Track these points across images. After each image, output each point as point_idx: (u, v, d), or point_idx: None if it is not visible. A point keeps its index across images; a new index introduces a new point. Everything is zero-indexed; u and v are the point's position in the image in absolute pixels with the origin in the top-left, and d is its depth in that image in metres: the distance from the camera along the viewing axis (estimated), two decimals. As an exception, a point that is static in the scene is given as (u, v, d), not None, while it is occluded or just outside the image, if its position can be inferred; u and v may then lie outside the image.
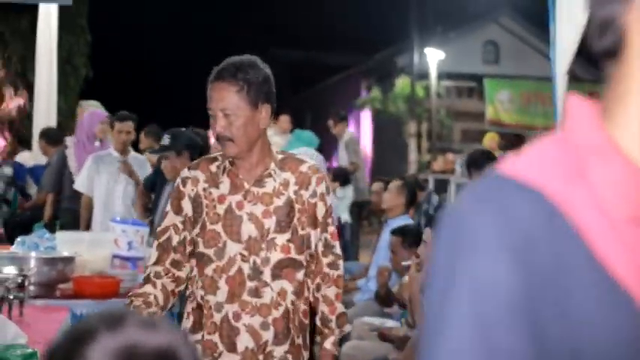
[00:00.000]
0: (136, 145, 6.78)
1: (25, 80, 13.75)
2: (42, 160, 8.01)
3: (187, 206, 2.70)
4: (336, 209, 7.07)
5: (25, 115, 13.22)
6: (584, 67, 0.87)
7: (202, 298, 2.66)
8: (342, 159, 10.06)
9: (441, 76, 22.51)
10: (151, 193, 5.79)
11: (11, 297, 3.08)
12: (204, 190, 2.68)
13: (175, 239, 2.71)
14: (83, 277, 4.11)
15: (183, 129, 5.16)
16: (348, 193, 9.48)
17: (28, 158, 8.92)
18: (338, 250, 2.79)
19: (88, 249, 4.47)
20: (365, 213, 10.82)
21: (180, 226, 2.71)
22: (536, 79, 20.55)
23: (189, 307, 2.72)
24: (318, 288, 2.75)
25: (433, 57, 21.97)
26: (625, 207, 0.78)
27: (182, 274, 2.73)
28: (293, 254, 2.66)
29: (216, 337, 2.62)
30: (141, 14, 27.82)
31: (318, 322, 2.78)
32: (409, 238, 5.14)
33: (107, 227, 5.17)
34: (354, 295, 6.28)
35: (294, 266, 2.67)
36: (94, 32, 15.46)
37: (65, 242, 4.44)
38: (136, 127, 6.39)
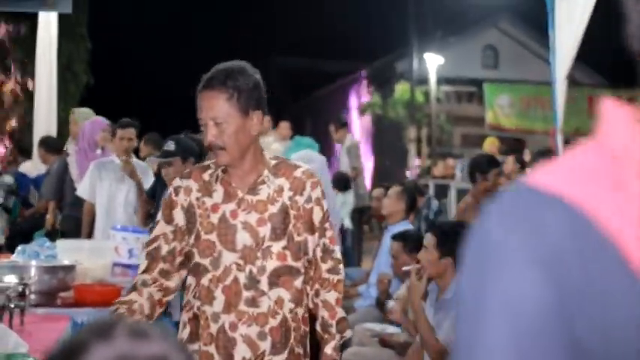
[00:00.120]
0: (135, 154, 6.77)
1: (25, 88, 13.76)
2: (44, 169, 8.01)
3: (179, 216, 2.67)
4: (338, 214, 7.07)
5: (26, 123, 13.23)
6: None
7: (199, 308, 2.63)
8: (343, 164, 10.07)
9: (440, 81, 22.51)
10: (153, 200, 5.78)
11: (12, 306, 3.07)
12: (198, 199, 2.65)
13: (165, 249, 2.68)
14: (84, 285, 4.10)
15: (182, 135, 5.15)
16: (348, 199, 9.48)
17: (30, 168, 8.92)
18: (338, 254, 2.76)
19: (89, 257, 4.47)
20: (366, 218, 10.82)
21: (171, 236, 2.68)
22: (535, 83, 20.55)
23: (185, 316, 2.69)
24: (317, 294, 2.72)
25: (432, 62, 21.98)
26: None
27: (171, 283, 2.69)
28: (290, 261, 2.63)
29: (212, 349, 2.59)
30: (141, 22, 27.87)
31: (318, 328, 2.74)
32: (410, 243, 5.14)
33: (109, 234, 5.17)
34: (355, 301, 6.28)
35: (292, 273, 2.63)
36: (94, 39, 15.48)
37: (66, 250, 4.44)
38: (138, 134, 6.39)
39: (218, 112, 2.54)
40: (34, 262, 3.97)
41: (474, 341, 0.75)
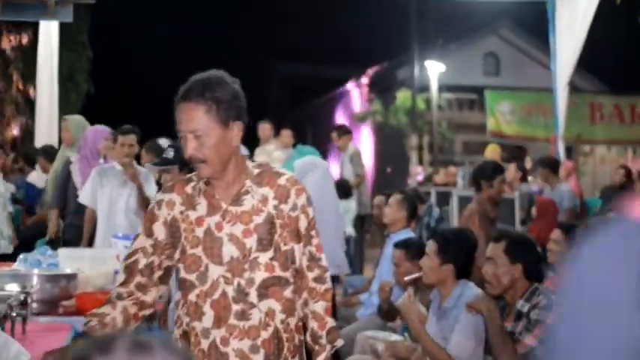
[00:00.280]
0: (137, 161, 6.77)
1: (26, 97, 13.79)
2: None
3: (159, 230, 2.63)
4: (343, 220, 7.07)
5: (27, 132, 13.26)
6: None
7: (188, 324, 2.59)
8: (346, 171, 10.07)
9: (441, 88, 22.53)
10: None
11: (14, 314, 3.07)
12: (182, 212, 2.61)
13: (142, 262, 2.63)
14: (86, 293, 4.09)
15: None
16: (350, 207, 9.46)
17: (36, 178, 8.93)
18: (324, 262, 2.70)
19: (91, 265, 4.46)
20: (367, 226, 10.81)
21: (150, 250, 2.63)
22: (537, 90, 20.54)
23: (176, 333, 2.65)
24: (306, 303, 2.67)
25: (434, 69, 22.00)
26: None
27: (147, 298, 2.65)
28: (278, 272, 2.58)
29: None
30: (143, 30, 27.90)
31: (308, 339, 2.69)
32: (412, 251, 5.14)
33: (110, 240, 5.16)
34: (357, 310, 6.27)
35: (281, 284, 2.59)
36: (96, 48, 15.50)
37: (67, 259, 4.44)
38: (138, 140, 6.40)
39: (197, 125, 2.48)
40: (35, 271, 3.97)
41: None
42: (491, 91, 20.87)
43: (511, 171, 10.22)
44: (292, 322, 2.62)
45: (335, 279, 6.92)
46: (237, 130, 2.55)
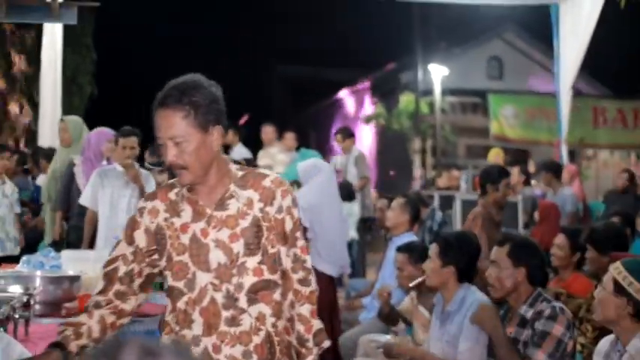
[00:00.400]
0: (139, 162, 6.78)
1: (30, 99, 13.81)
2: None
3: (140, 237, 2.59)
4: (346, 222, 7.06)
5: (31, 134, 13.27)
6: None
7: (177, 333, 2.55)
8: (350, 174, 10.06)
9: (445, 92, 22.54)
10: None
11: (17, 316, 3.07)
12: (166, 220, 2.57)
13: (122, 270, 2.59)
14: (88, 295, 4.08)
15: None
16: (353, 210, 9.45)
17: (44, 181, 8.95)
18: (309, 264, 2.66)
19: (94, 267, 4.46)
20: (371, 229, 10.80)
21: (130, 257, 2.59)
22: (540, 94, 20.56)
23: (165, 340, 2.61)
24: (292, 305, 2.63)
25: (437, 73, 22.00)
26: None
27: (126, 306, 2.59)
28: (266, 275, 2.54)
29: None
30: (143, 30, 27.92)
31: (294, 342, 2.64)
32: (415, 254, 5.14)
33: (111, 242, 5.16)
34: (360, 314, 6.26)
35: (270, 287, 2.55)
36: (100, 50, 15.51)
37: (70, 261, 4.44)
38: (140, 142, 6.40)
39: (176, 131, 2.44)
40: (38, 273, 3.97)
41: None
42: (495, 95, 20.89)
43: (514, 175, 10.20)
44: (281, 324, 2.59)
45: (337, 281, 6.93)
46: (217, 134, 2.50)
